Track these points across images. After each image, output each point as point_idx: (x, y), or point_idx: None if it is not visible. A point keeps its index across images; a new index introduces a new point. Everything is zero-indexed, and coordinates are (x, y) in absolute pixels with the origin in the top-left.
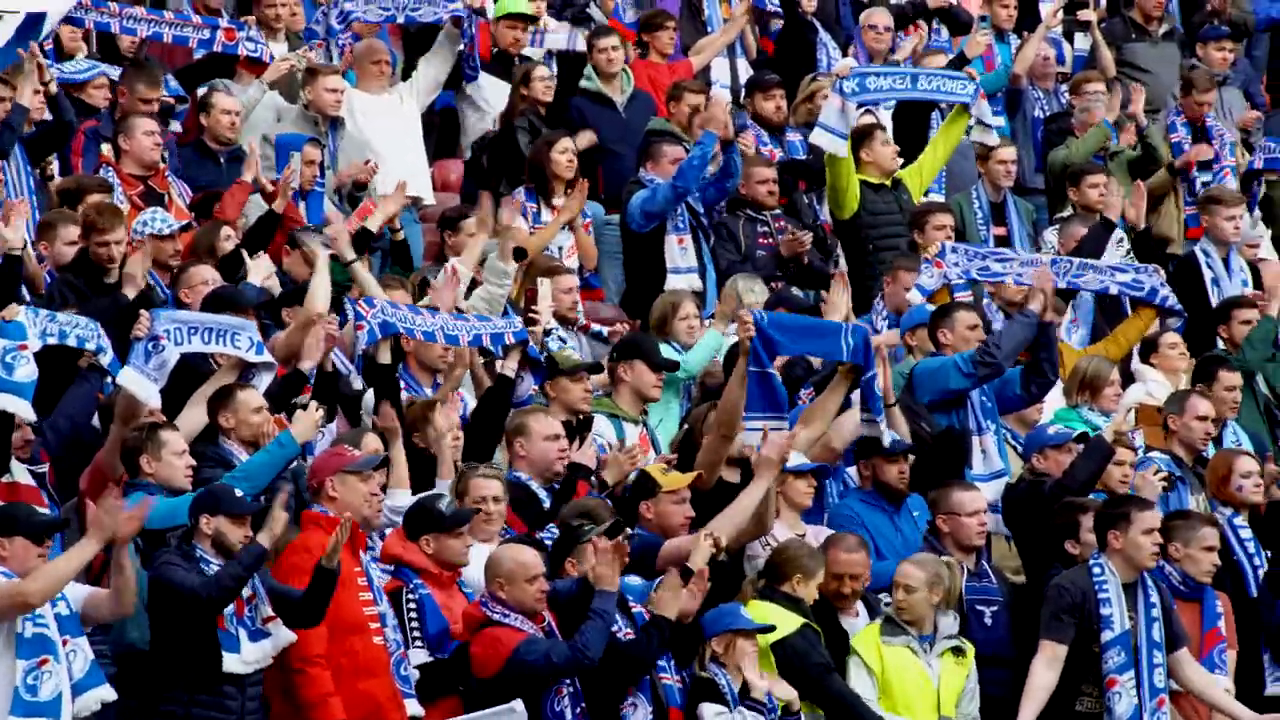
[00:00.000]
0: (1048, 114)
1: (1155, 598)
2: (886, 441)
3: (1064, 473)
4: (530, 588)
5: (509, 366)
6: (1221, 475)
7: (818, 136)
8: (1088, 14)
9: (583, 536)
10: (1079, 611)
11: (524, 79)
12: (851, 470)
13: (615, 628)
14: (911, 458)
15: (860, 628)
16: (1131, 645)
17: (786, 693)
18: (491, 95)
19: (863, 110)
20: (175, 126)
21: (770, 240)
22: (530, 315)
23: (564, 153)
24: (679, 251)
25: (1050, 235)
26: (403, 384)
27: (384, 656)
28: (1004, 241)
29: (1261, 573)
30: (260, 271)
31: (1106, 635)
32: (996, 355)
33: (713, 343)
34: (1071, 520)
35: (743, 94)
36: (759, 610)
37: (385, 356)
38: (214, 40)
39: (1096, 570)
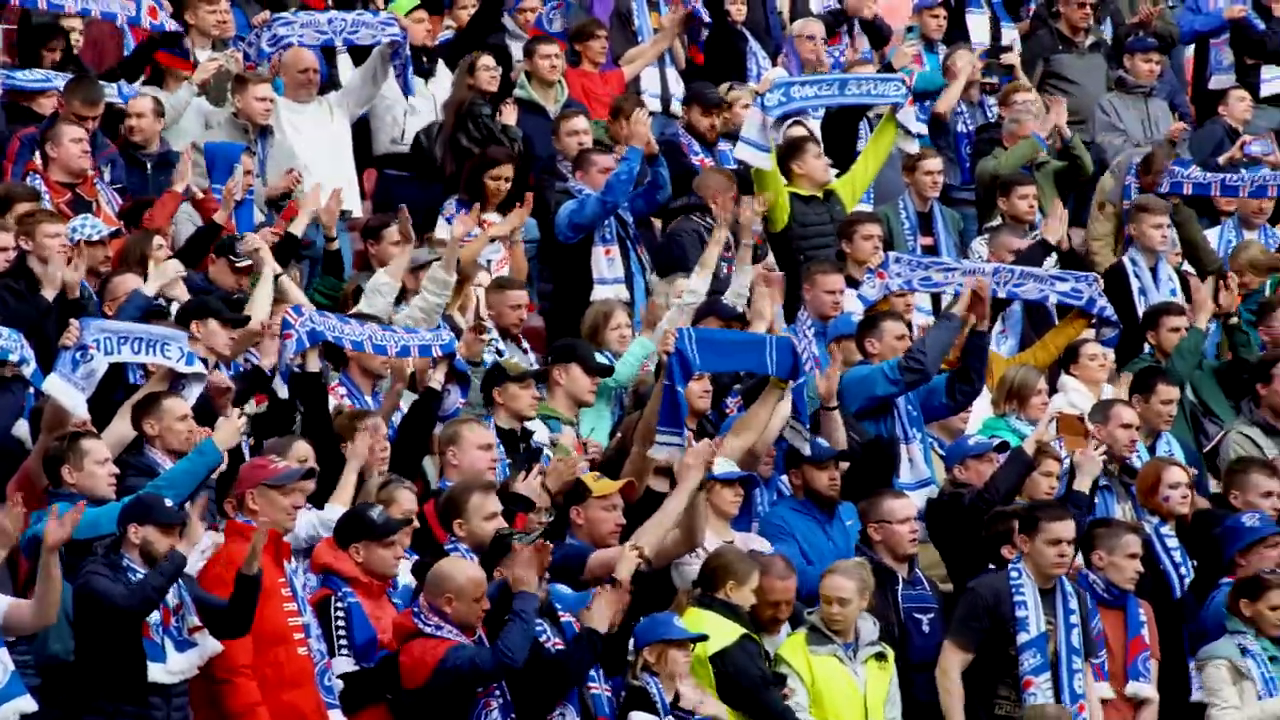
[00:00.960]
0: (975, 125)
1: (1074, 604)
2: (807, 451)
3: (985, 484)
4: (477, 606)
5: (436, 379)
6: (1150, 484)
7: (741, 151)
8: (1011, 57)
9: (512, 544)
10: (991, 615)
11: (470, 69)
12: (785, 478)
13: (544, 638)
14: (843, 465)
15: (781, 640)
16: (1049, 649)
17: (714, 709)
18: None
19: (793, 122)
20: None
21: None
22: (478, 325)
23: (499, 179)
24: (606, 262)
25: (979, 246)
26: (343, 389)
27: (309, 667)
28: (931, 251)
29: (1188, 581)
30: (164, 275)
31: (1022, 637)
32: (922, 360)
33: (641, 351)
34: (1007, 527)
35: (674, 102)
36: (697, 619)
37: (314, 365)
38: (139, 17)
39: (1014, 574)
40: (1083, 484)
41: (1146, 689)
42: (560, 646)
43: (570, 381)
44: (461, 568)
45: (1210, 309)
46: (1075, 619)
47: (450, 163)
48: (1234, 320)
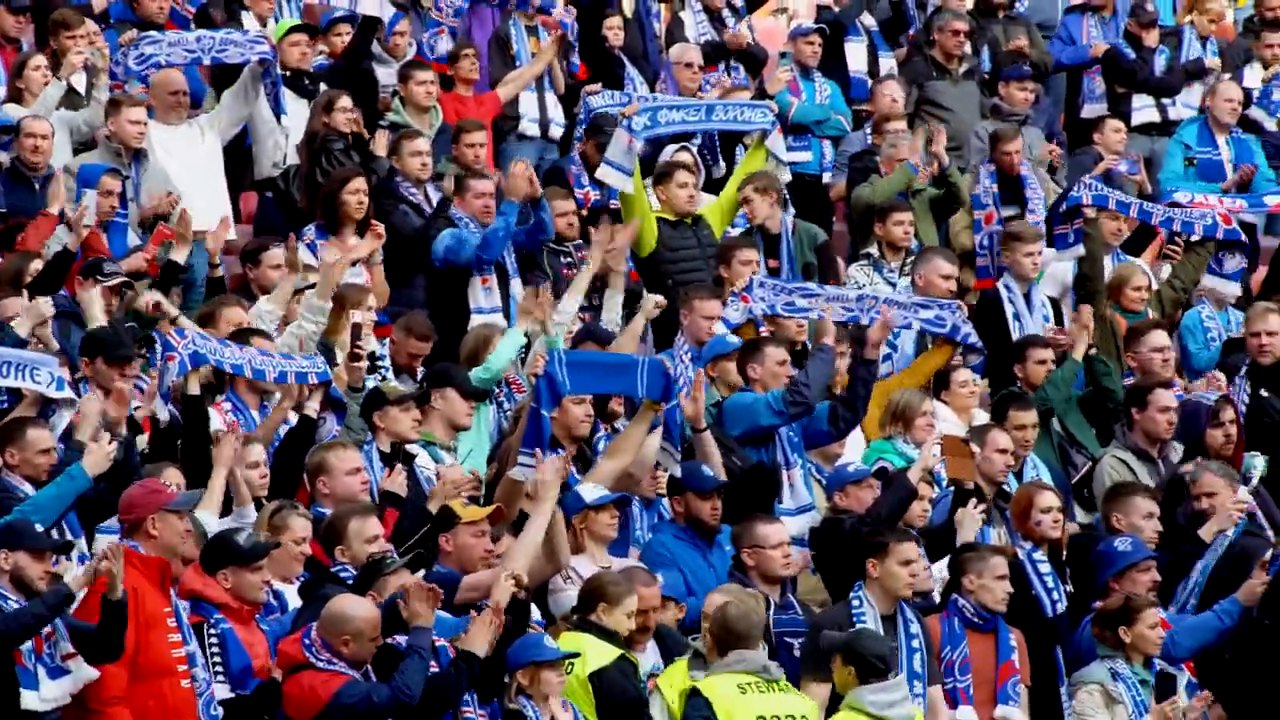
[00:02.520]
0: (851, 152)
1: (916, 628)
2: (677, 473)
3: (866, 511)
4: (372, 645)
5: (311, 407)
6: (1022, 509)
7: (604, 173)
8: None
9: (385, 569)
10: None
11: (326, 106)
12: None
13: None
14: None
15: (646, 663)
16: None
17: None
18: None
19: (680, 147)
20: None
21: (574, 272)
22: (354, 352)
23: (355, 193)
24: (483, 292)
25: (857, 271)
26: (229, 405)
27: (192, 699)
28: (776, 274)
29: (1060, 606)
30: (36, 315)
31: None
32: (806, 394)
33: (514, 343)
34: (877, 541)
35: (552, 127)
36: (573, 642)
37: (194, 388)
38: None
39: (855, 603)
40: (966, 538)
41: (1015, 713)
42: (436, 670)
43: (447, 405)
44: (359, 609)
45: (1088, 338)
46: (918, 643)
47: (305, 200)
48: (1093, 350)
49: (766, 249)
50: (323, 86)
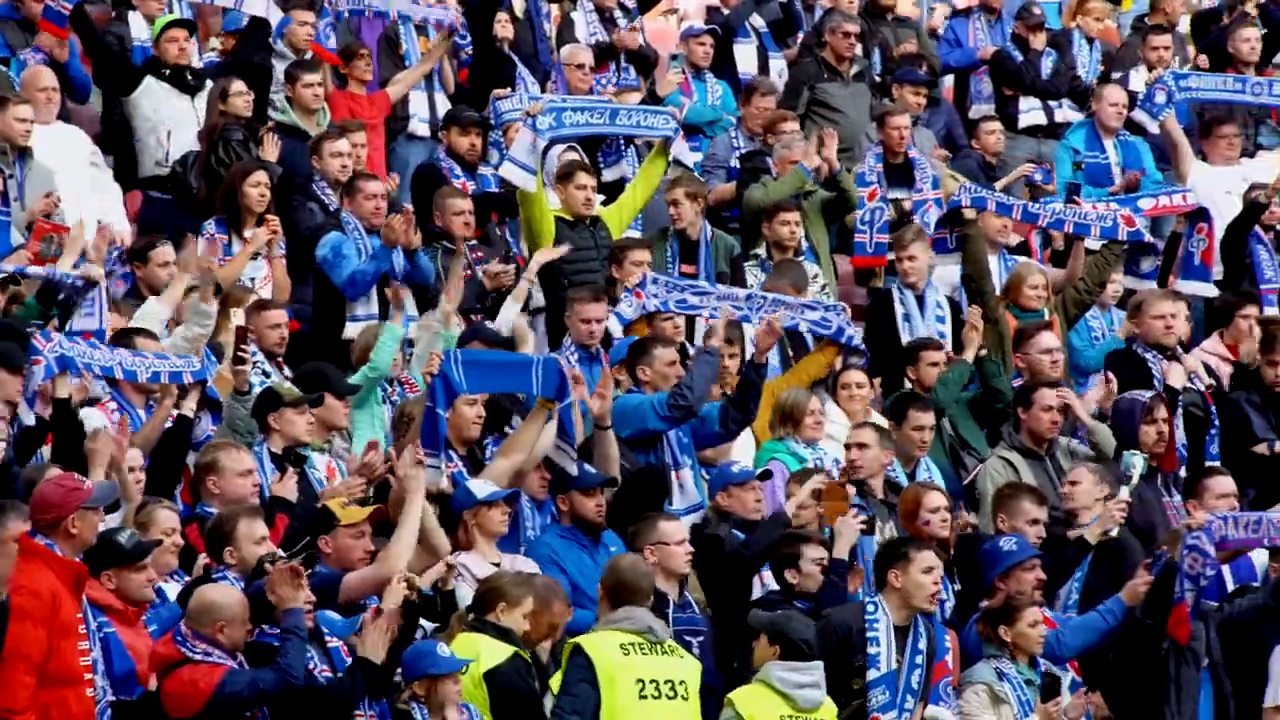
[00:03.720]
0: (742, 152)
1: (924, 644)
2: (573, 471)
3: (742, 542)
4: (246, 628)
5: (188, 406)
6: (910, 509)
7: (507, 170)
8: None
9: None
10: (840, 646)
11: (222, 95)
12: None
13: (313, 666)
14: (608, 491)
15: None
16: (896, 686)
17: None
18: (164, 106)
19: (567, 147)
20: None
21: (468, 272)
22: (239, 355)
23: (256, 186)
24: (361, 299)
25: (747, 272)
26: (115, 404)
27: (92, 708)
28: (692, 278)
29: (949, 606)
30: None
31: (872, 674)
32: (689, 397)
33: (393, 337)
34: (793, 551)
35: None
36: (469, 643)
37: (63, 391)
38: None
39: (871, 609)
40: (841, 550)
41: (945, 714)
42: (329, 675)
43: (322, 409)
44: (227, 594)
45: (979, 341)
46: (920, 659)
47: (205, 190)
48: (983, 351)
49: (683, 254)
50: (209, 83)
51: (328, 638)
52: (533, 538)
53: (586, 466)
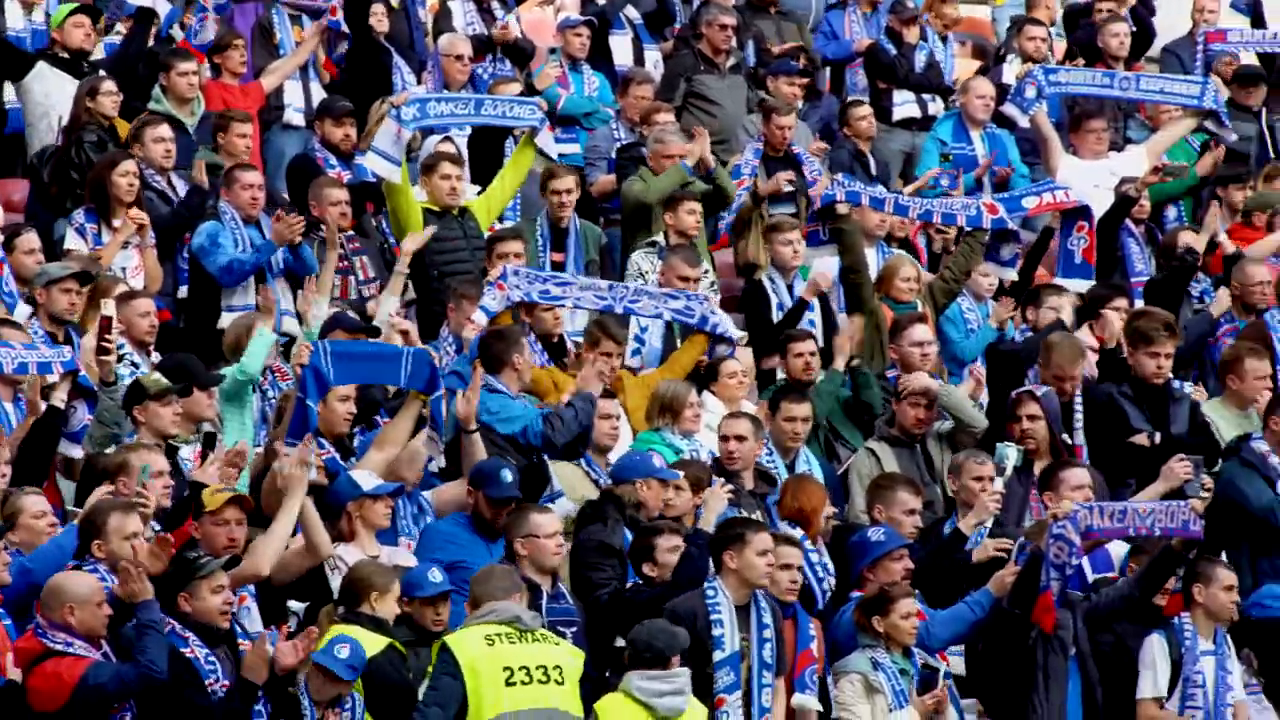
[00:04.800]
0: (622, 143)
1: (768, 619)
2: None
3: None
4: (100, 611)
5: (58, 397)
6: (815, 504)
7: (372, 161)
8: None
9: (199, 570)
10: (691, 636)
11: (90, 92)
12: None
13: (214, 678)
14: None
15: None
16: (741, 666)
17: None
18: (55, 91)
19: (444, 138)
20: None
21: (344, 263)
22: (103, 345)
23: (125, 175)
24: (239, 289)
25: (641, 259)
26: None
27: None
28: (560, 267)
29: (825, 596)
30: None
31: (718, 655)
32: (557, 435)
33: (264, 342)
34: (648, 544)
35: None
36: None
37: None
38: None
39: (710, 592)
40: (708, 521)
41: (810, 701)
42: (224, 689)
43: (187, 401)
44: (75, 578)
45: (850, 350)
46: (769, 634)
47: (55, 187)
48: (855, 362)
49: (554, 243)
50: (101, 73)
51: (241, 639)
52: (408, 529)
53: (504, 472)
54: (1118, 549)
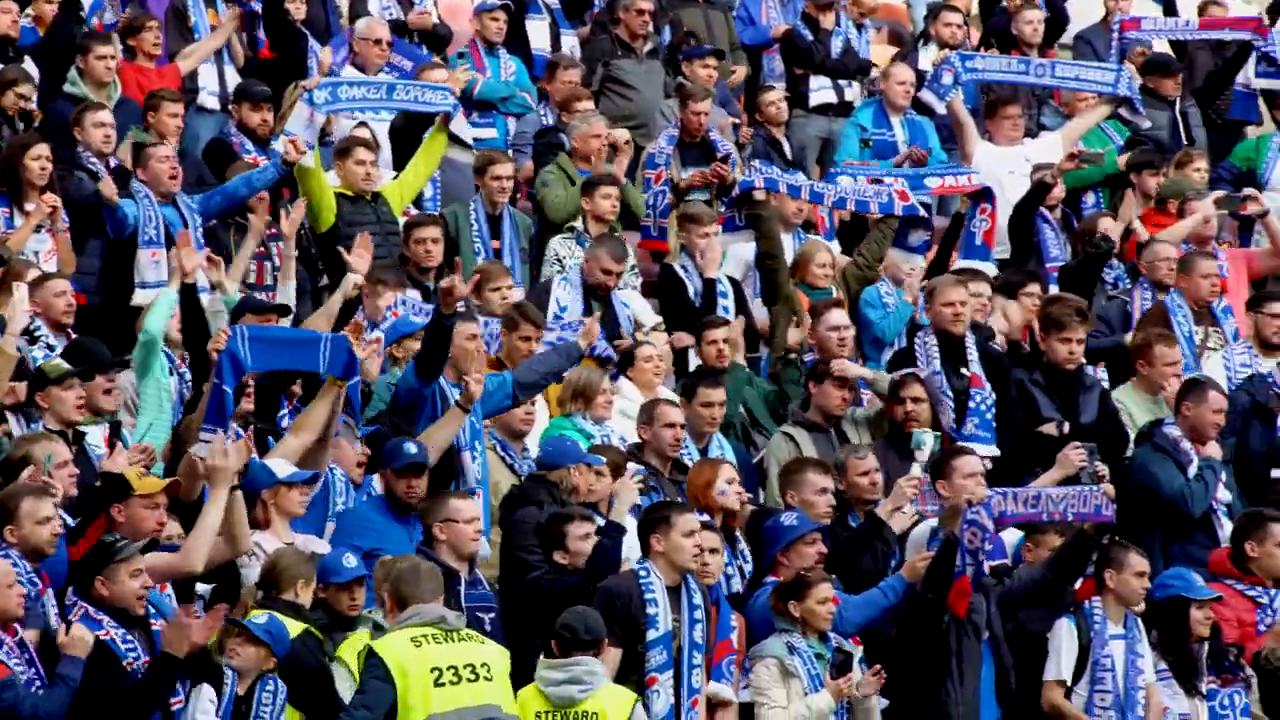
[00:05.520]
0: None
1: (699, 600)
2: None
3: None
4: (12, 594)
5: None
6: (705, 482)
7: (282, 145)
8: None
9: (117, 554)
10: (622, 615)
11: (2, 87)
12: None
13: (132, 657)
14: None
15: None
16: (674, 645)
17: None
18: None
19: (359, 122)
20: None
21: (261, 249)
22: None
23: (37, 159)
24: (150, 265)
25: (559, 245)
26: None
27: None
28: (499, 255)
29: (734, 581)
30: None
31: (651, 635)
32: (533, 378)
33: (167, 301)
34: (559, 531)
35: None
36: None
37: None
38: None
39: (643, 573)
40: (619, 512)
41: (725, 691)
42: (143, 666)
43: (89, 386)
44: None
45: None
46: (700, 614)
47: None
48: (792, 355)
49: (492, 230)
50: (27, 60)
51: (154, 619)
52: (346, 507)
53: (405, 444)
54: (1011, 536)
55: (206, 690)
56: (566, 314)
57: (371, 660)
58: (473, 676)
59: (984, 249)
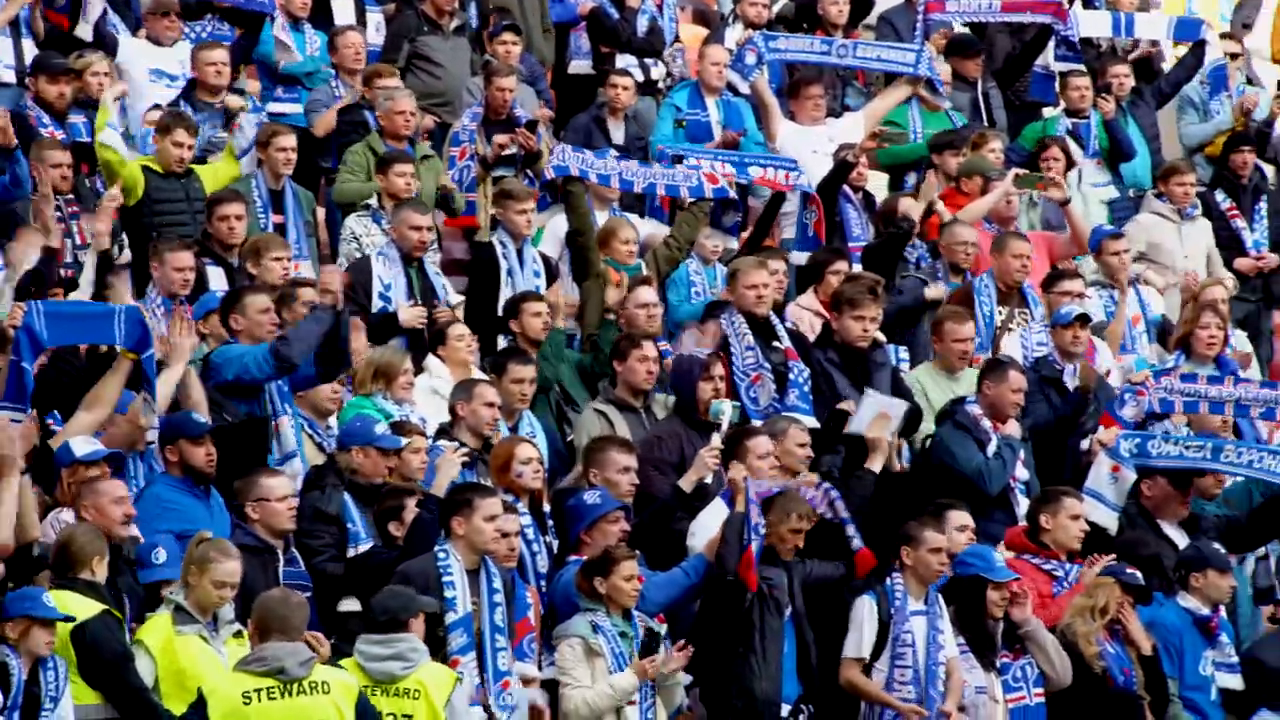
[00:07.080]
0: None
1: (498, 583)
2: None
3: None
4: None
5: None
6: (503, 462)
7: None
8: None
9: None
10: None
11: None
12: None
13: None
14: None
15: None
16: (474, 628)
17: None
18: None
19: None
20: None
21: (62, 225)
22: None
23: None
24: None
25: (355, 223)
26: None
27: None
28: (282, 230)
29: (540, 560)
30: None
31: (450, 617)
32: (289, 352)
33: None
34: (397, 504)
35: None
36: (58, 601)
37: None
38: None
39: (441, 555)
40: (440, 486)
41: (529, 669)
42: None
43: None
44: None
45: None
46: (499, 598)
47: None
48: (611, 315)
49: (274, 205)
50: None
51: None
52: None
53: (194, 415)
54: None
55: None
56: (390, 291)
57: (198, 704)
58: None
59: (815, 240)
